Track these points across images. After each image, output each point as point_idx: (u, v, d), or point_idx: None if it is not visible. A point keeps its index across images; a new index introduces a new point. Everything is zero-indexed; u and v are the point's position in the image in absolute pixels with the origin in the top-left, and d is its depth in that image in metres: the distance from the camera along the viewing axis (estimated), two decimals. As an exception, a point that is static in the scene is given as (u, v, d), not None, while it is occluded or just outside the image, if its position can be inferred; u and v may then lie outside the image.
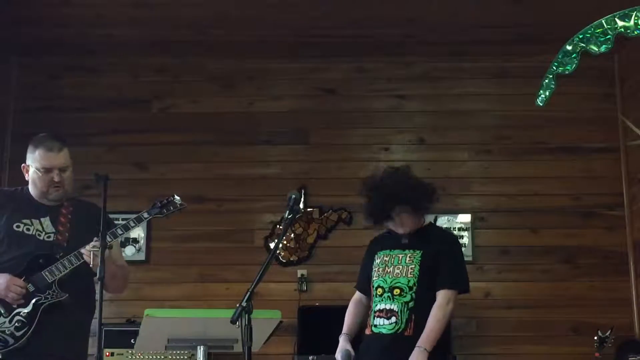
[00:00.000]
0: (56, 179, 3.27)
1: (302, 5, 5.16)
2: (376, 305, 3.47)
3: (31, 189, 3.35)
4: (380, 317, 3.42)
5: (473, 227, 5.56)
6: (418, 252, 3.47)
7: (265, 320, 3.03)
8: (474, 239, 5.54)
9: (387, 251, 3.55)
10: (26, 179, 3.37)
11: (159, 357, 4.84)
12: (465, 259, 5.40)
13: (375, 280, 3.51)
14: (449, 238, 3.73)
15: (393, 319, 3.38)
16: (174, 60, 5.83)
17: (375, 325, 3.44)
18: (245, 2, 5.14)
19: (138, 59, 5.81)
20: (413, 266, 3.43)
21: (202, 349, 3.11)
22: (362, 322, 3.61)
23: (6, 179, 5.50)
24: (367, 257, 3.68)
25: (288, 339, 5.05)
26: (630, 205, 5.51)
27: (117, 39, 5.57)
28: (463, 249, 5.48)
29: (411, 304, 3.37)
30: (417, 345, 3.27)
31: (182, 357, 4.85)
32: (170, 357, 4.82)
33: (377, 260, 3.56)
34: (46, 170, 3.27)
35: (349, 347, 3.47)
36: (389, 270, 3.47)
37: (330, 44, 5.62)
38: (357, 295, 3.69)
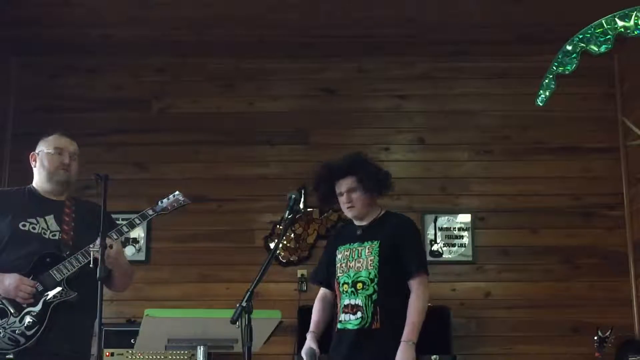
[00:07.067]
0: (66, 160, 3.33)
1: (302, 5, 5.16)
2: (343, 300, 3.46)
3: (37, 176, 3.38)
4: (347, 312, 3.41)
5: (473, 227, 5.56)
6: (376, 242, 3.42)
7: (265, 320, 3.03)
8: (474, 239, 5.54)
9: (347, 245, 3.51)
10: (33, 167, 3.39)
11: (159, 357, 4.84)
12: (465, 259, 5.52)
13: (340, 276, 3.49)
14: (404, 222, 3.58)
15: (359, 313, 3.37)
16: (174, 60, 5.84)
17: (341, 321, 3.43)
18: (245, 2, 5.14)
19: (138, 59, 5.82)
20: (372, 257, 3.40)
21: (202, 349, 3.11)
22: (329, 318, 3.59)
23: (6, 179, 5.49)
24: (328, 252, 3.65)
25: (288, 339, 5.04)
26: (630, 205, 5.51)
27: (117, 39, 5.57)
28: (463, 249, 5.53)
29: (374, 297, 3.35)
30: (402, 340, 3.26)
31: (182, 357, 4.86)
32: (170, 357, 4.83)
33: (339, 256, 3.53)
34: (58, 151, 3.34)
35: (314, 345, 3.47)
36: (351, 265, 3.45)
37: (330, 44, 5.62)
38: (322, 291, 3.66)
